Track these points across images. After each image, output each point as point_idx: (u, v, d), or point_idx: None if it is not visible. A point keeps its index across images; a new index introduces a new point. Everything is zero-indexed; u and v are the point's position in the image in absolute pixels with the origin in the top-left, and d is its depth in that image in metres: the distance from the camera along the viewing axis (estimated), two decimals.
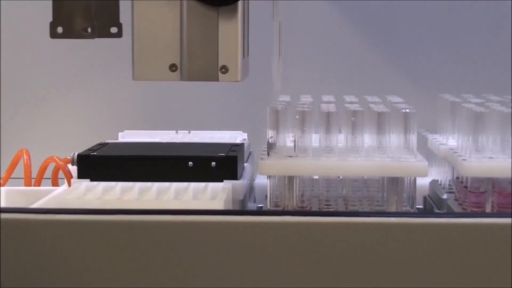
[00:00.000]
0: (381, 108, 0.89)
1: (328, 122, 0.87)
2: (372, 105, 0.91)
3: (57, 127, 1.36)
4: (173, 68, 0.86)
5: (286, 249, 0.74)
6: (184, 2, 0.85)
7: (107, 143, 1.04)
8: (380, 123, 0.87)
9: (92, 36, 0.89)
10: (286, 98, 0.98)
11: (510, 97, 1.00)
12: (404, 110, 0.86)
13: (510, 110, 0.87)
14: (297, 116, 0.87)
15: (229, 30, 0.85)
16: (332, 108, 0.89)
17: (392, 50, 1.35)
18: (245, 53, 0.89)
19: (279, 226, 0.74)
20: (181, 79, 0.86)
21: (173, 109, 1.36)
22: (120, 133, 1.15)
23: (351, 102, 0.94)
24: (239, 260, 0.74)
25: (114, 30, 0.94)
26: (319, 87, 1.28)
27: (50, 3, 0.89)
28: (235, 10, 0.85)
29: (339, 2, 1.34)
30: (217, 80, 0.86)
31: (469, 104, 0.92)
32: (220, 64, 0.85)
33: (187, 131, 1.16)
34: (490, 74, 1.34)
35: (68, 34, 0.89)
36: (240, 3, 0.84)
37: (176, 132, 1.15)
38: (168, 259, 0.74)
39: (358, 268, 0.74)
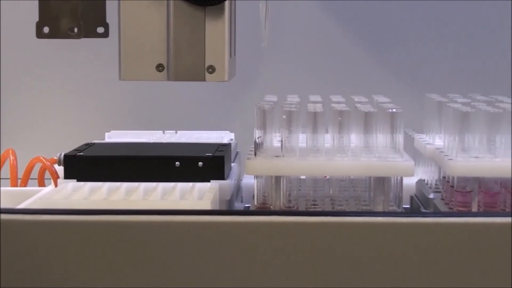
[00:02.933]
0: (367, 108, 0.89)
1: (315, 122, 0.87)
2: (358, 105, 0.91)
3: (43, 127, 1.36)
4: (160, 68, 0.86)
5: (273, 249, 0.74)
6: (171, 2, 0.85)
7: (94, 143, 1.04)
8: (366, 123, 0.87)
9: (78, 36, 0.89)
10: (273, 98, 0.98)
11: (496, 97, 1.00)
12: (390, 110, 0.87)
13: (496, 110, 0.88)
14: (284, 116, 0.87)
15: (216, 30, 0.85)
16: (318, 108, 0.89)
17: (378, 50, 1.35)
18: (232, 53, 0.89)
19: (266, 226, 0.74)
20: (168, 79, 0.86)
21: (160, 109, 1.35)
22: (106, 133, 1.15)
23: (337, 102, 0.94)
24: (226, 260, 0.74)
25: (100, 30, 0.94)
26: (306, 87, 1.28)
27: (36, 3, 0.88)
28: (222, 10, 0.85)
29: (327, 2, 1.34)
30: (204, 80, 0.86)
31: (455, 104, 0.93)
32: (207, 64, 0.85)
33: (174, 131, 1.16)
34: (476, 74, 1.34)
35: (54, 34, 0.89)
36: (227, 3, 0.84)
37: (163, 132, 1.15)
38: (155, 259, 0.74)
39: (345, 267, 0.74)
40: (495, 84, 1.32)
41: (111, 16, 0.93)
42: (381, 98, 0.98)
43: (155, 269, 0.74)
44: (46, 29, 0.89)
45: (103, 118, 1.35)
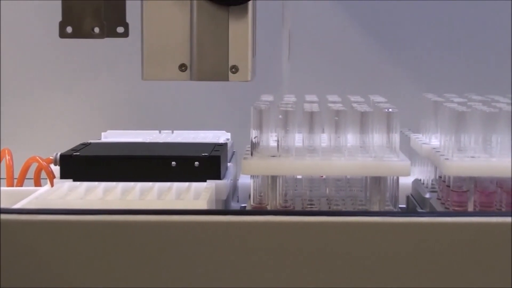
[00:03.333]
0: (364, 107, 0.89)
1: (311, 122, 0.87)
2: (355, 105, 0.91)
3: (39, 127, 1.36)
4: (183, 68, 0.85)
5: (270, 249, 0.74)
6: (194, 2, 0.84)
7: (90, 143, 1.04)
8: (363, 122, 0.87)
9: (101, 36, 0.89)
10: (269, 98, 0.98)
11: (492, 96, 1.00)
12: (387, 110, 0.87)
13: (492, 109, 0.88)
14: (280, 116, 0.87)
15: (239, 30, 0.85)
16: (315, 107, 0.89)
17: (375, 50, 1.35)
18: (254, 53, 0.89)
19: (262, 226, 0.74)
20: (191, 79, 0.86)
21: (156, 109, 1.35)
22: (103, 133, 1.14)
23: (334, 102, 0.94)
24: (223, 260, 0.74)
25: (120, 30, 0.94)
26: (303, 86, 1.28)
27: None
28: (245, 10, 0.85)
29: (328, 2, 1.34)
30: (227, 80, 0.86)
31: (451, 103, 0.93)
32: (230, 64, 0.85)
33: (170, 131, 1.15)
34: (475, 74, 1.34)
35: (77, 34, 0.89)
36: (250, 3, 0.84)
37: (159, 132, 1.15)
38: (151, 259, 0.74)
39: (342, 267, 0.74)
40: (494, 84, 1.33)
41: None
42: (378, 98, 0.98)
43: (151, 269, 0.74)
44: (69, 29, 0.89)
45: (99, 117, 1.35)
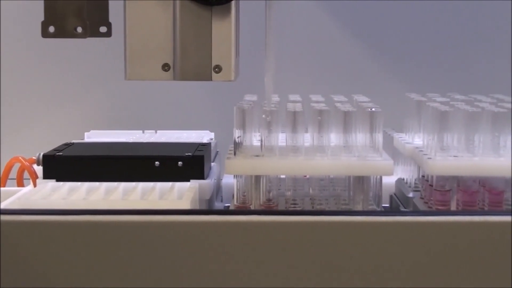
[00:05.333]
0: (347, 107, 0.89)
1: (294, 122, 0.87)
2: (338, 104, 0.92)
3: (22, 127, 1.35)
4: (166, 68, 0.85)
5: (253, 248, 0.74)
6: (177, 2, 0.84)
7: (73, 143, 1.04)
8: (346, 122, 0.88)
9: (84, 35, 0.89)
10: (253, 97, 0.98)
11: (474, 96, 1.00)
12: (370, 109, 0.87)
13: (474, 109, 0.88)
14: (263, 116, 0.87)
15: (222, 29, 0.85)
16: (298, 107, 0.89)
17: (359, 50, 1.35)
18: (237, 52, 0.89)
19: (246, 226, 0.74)
20: (174, 78, 0.86)
21: (140, 109, 1.35)
22: (86, 133, 1.14)
23: (317, 102, 0.94)
24: (205, 260, 0.74)
25: (103, 29, 0.93)
26: (287, 86, 1.28)
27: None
28: (228, 10, 0.85)
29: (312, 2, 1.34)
30: (211, 79, 0.86)
31: (434, 103, 0.93)
32: (213, 64, 0.85)
33: (153, 130, 1.15)
34: (457, 73, 1.35)
35: (60, 33, 0.88)
36: (233, 3, 0.84)
37: (143, 132, 1.15)
38: (134, 259, 0.74)
39: (325, 266, 0.74)
40: (477, 84, 1.33)
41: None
42: (361, 98, 0.98)
43: (135, 269, 0.74)
44: (51, 29, 0.88)
45: (82, 118, 1.34)
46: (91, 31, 0.91)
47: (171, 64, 0.86)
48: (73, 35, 0.89)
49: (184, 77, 0.86)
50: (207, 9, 0.85)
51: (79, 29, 0.88)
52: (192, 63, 0.85)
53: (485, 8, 1.33)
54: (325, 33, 1.35)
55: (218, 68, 0.85)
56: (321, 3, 1.34)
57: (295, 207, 0.89)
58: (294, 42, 1.35)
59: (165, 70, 0.85)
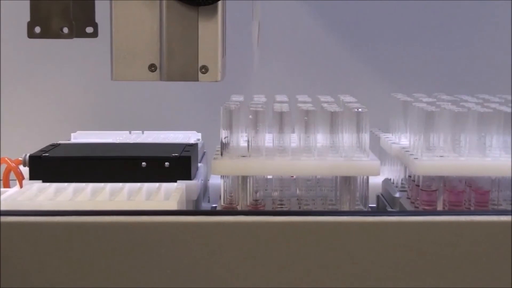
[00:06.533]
0: (334, 107, 0.90)
1: (281, 122, 0.87)
2: (325, 105, 0.92)
3: (8, 127, 1.35)
4: (153, 68, 0.85)
5: (239, 249, 0.74)
6: (164, 2, 0.84)
7: (60, 144, 1.03)
8: (333, 122, 0.88)
9: (70, 36, 0.88)
10: (240, 98, 0.98)
11: (460, 96, 1.01)
12: (356, 110, 0.87)
13: (460, 109, 0.88)
14: (250, 116, 0.87)
15: (209, 30, 0.85)
16: (285, 107, 0.89)
17: (345, 50, 1.35)
18: (224, 53, 0.89)
19: (233, 226, 0.74)
20: (161, 79, 0.86)
21: (127, 110, 1.35)
22: (72, 134, 1.14)
23: (304, 102, 0.94)
24: (192, 260, 0.74)
25: (90, 30, 0.93)
26: (275, 86, 1.29)
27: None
28: (215, 11, 0.84)
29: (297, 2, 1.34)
30: (197, 80, 0.86)
31: (420, 103, 0.93)
32: (200, 64, 0.85)
33: (140, 131, 1.15)
34: (443, 73, 1.35)
35: (46, 34, 0.88)
36: (220, 3, 0.84)
37: (130, 133, 1.15)
38: (121, 259, 0.74)
39: (311, 266, 0.74)
40: (462, 84, 1.34)
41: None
42: (347, 98, 0.98)
43: (121, 269, 0.74)
44: (37, 29, 0.88)
45: (68, 118, 1.34)
46: (77, 32, 0.91)
47: (157, 65, 0.85)
48: (59, 35, 0.88)
49: (170, 78, 0.86)
50: (194, 9, 0.84)
51: (65, 30, 0.88)
52: (179, 63, 0.85)
53: (470, 8, 1.34)
54: (310, 34, 1.35)
55: (204, 69, 0.85)
56: (306, 3, 1.35)
57: (282, 207, 0.89)
58: (280, 43, 1.35)
59: (152, 71, 0.85)
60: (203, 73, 0.85)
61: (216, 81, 0.86)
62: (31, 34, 0.88)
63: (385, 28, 1.34)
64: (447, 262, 0.74)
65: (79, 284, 0.74)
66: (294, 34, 1.35)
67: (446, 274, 0.74)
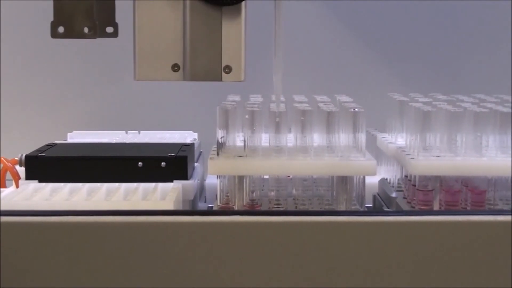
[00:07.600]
0: (330, 107, 0.90)
1: (277, 122, 0.87)
2: (321, 105, 0.92)
3: (4, 127, 1.35)
4: (176, 68, 0.85)
5: (236, 249, 0.74)
6: (187, 2, 0.84)
7: (56, 144, 1.03)
8: (329, 122, 0.88)
9: (93, 36, 0.88)
10: (236, 98, 0.98)
11: (457, 96, 1.01)
12: (353, 110, 0.87)
13: (456, 109, 0.88)
14: (246, 116, 0.87)
15: (232, 30, 0.84)
16: (281, 107, 0.89)
17: (342, 50, 1.35)
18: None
19: (229, 226, 0.74)
20: (184, 79, 0.85)
21: (123, 109, 1.35)
22: (69, 134, 1.14)
23: (300, 102, 0.94)
24: (188, 260, 0.74)
25: (110, 29, 0.93)
26: (271, 87, 1.28)
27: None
28: (238, 10, 0.84)
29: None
30: (221, 80, 0.85)
31: (417, 103, 0.93)
32: (223, 64, 0.85)
33: (136, 131, 1.15)
34: (439, 73, 1.35)
35: (69, 34, 0.88)
36: (243, 3, 0.84)
37: (126, 133, 1.15)
38: (117, 259, 0.74)
39: (308, 266, 0.74)
40: (459, 84, 1.34)
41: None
42: (344, 98, 0.98)
43: (117, 269, 0.74)
44: (61, 29, 0.88)
45: (65, 118, 1.34)
46: (99, 32, 0.91)
47: (180, 65, 0.85)
48: (83, 35, 0.88)
49: (194, 78, 0.85)
50: (217, 9, 0.84)
51: (88, 30, 0.88)
52: (202, 63, 0.85)
53: (467, 7, 1.34)
54: (307, 34, 1.35)
55: (228, 69, 0.85)
56: (302, 3, 1.35)
57: (278, 207, 0.89)
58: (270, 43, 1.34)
59: (175, 71, 0.85)
60: (226, 73, 0.85)
61: (240, 81, 0.86)
62: (54, 34, 0.88)
63: (382, 28, 1.34)
64: (443, 262, 0.74)
65: (75, 284, 0.74)
66: (289, 34, 1.35)
67: (443, 273, 0.74)
